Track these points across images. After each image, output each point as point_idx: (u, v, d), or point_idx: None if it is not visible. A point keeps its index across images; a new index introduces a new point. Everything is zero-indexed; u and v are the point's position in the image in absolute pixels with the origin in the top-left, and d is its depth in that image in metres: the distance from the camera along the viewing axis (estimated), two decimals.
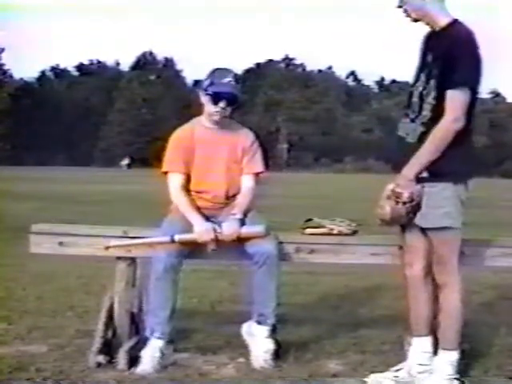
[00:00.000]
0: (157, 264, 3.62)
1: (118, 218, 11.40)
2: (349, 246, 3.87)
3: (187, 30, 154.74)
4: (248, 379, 3.47)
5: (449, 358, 3.35)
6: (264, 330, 3.70)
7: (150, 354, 3.59)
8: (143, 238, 3.77)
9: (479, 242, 3.89)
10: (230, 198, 3.92)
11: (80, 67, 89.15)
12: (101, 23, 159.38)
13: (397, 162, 3.40)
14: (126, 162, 65.86)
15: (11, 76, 77.61)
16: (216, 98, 3.80)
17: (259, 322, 3.72)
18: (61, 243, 3.83)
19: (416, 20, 3.32)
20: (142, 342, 3.68)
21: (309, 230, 3.92)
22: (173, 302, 3.67)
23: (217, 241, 3.71)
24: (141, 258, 3.84)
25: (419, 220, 3.29)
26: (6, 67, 75.51)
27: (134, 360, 3.58)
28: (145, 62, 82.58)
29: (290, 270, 5.00)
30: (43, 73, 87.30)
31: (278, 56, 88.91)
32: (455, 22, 3.24)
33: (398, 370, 3.47)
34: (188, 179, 3.92)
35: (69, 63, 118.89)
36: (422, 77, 3.31)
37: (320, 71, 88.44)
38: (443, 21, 3.25)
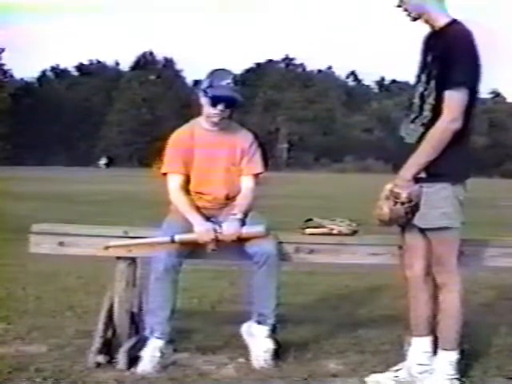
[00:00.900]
0: (157, 264, 3.62)
1: (118, 218, 11.41)
2: (349, 246, 3.87)
3: (187, 30, 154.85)
4: (248, 379, 3.47)
5: (449, 358, 3.35)
6: (264, 330, 3.70)
7: (150, 354, 3.59)
8: (143, 238, 3.77)
9: (479, 242, 3.89)
10: (229, 198, 3.92)
11: (80, 67, 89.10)
12: (101, 23, 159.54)
13: (397, 163, 3.40)
14: (103, 161, 65.89)
15: (11, 76, 77.61)
16: (214, 101, 3.80)
17: (259, 322, 3.72)
18: (61, 243, 3.83)
19: (415, 19, 3.32)
20: (141, 342, 3.68)
21: (309, 230, 3.92)
22: (173, 302, 3.67)
23: (217, 241, 3.71)
24: (141, 257, 3.84)
25: (417, 220, 3.29)
26: (6, 67, 75.50)
27: (133, 360, 3.58)
28: (145, 62, 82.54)
29: (290, 270, 5.01)
30: (43, 73, 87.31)
31: (277, 56, 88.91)
32: (454, 21, 3.25)
33: (397, 370, 3.47)
34: (187, 180, 3.92)
35: (69, 63, 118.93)
36: (423, 77, 3.31)
37: (320, 71, 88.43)
38: (442, 20, 3.26)
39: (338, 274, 6.30)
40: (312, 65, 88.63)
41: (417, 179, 3.23)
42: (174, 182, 3.90)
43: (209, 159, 3.93)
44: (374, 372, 3.52)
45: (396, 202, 3.22)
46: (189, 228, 3.72)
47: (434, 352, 3.42)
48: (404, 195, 3.21)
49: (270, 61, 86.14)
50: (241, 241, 3.71)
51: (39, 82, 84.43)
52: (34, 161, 62.96)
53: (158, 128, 60.19)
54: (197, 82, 60.21)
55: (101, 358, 3.60)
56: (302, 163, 72.46)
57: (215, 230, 3.69)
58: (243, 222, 3.75)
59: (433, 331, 3.44)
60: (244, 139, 3.98)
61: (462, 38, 3.19)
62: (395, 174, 3.42)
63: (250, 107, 68.38)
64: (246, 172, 3.95)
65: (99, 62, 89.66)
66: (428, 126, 3.24)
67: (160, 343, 3.63)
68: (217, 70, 3.91)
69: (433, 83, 3.23)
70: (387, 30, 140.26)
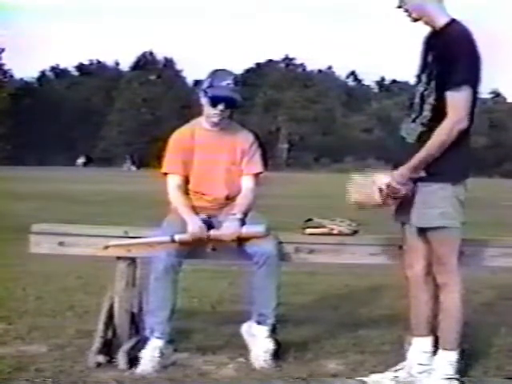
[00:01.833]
0: (157, 264, 3.62)
1: (118, 217, 11.41)
2: (349, 246, 3.87)
3: (187, 30, 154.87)
4: (248, 379, 3.47)
5: (448, 358, 3.34)
6: (264, 330, 3.70)
7: (150, 354, 3.58)
8: (143, 237, 3.77)
9: (479, 242, 3.89)
10: (230, 198, 3.92)
11: (80, 67, 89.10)
12: (101, 23, 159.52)
13: (397, 162, 3.41)
14: (81, 160, 65.96)
15: (11, 76, 77.57)
16: (214, 101, 3.81)
17: (259, 322, 3.72)
18: (61, 243, 3.83)
19: (416, 19, 3.33)
20: (141, 342, 3.67)
21: (309, 230, 3.92)
22: (172, 302, 3.67)
23: (217, 241, 3.71)
24: (141, 257, 3.84)
25: (416, 220, 3.30)
26: (6, 67, 75.48)
27: (133, 360, 3.58)
28: (145, 62, 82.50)
29: (290, 270, 5.01)
30: (43, 73, 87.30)
31: (277, 56, 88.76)
32: (453, 21, 3.25)
33: (397, 370, 3.47)
34: (187, 180, 3.92)
35: (69, 63, 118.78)
36: (424, 77, 3.31)
37: (320, 71, 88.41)
38: (442, 20, 3.26)
39: (338, 274, 6.30)
40: (312, 65, 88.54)
41: (416, 179, 3.23)
42: (174, 182, 3.90)
43: (209, 159, 3.93)
44: (374, 372, 3.52)
45: (390, 196, 3.24)
46: None
47: (435, 352, 3.42)
48: (403, 192, 3.22)
49: (270, 61, 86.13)
50: (241, 241, 3.71)
51: (39, 82, 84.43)
52: (33, 161, 62.97)
53: (158, 128, 60.22)
54: (197, 82, 60.34)
55: (101, 358, 3.60)
56: (302, 163, 72.46)
57: (208, 229, 3.69)
58: (243, 222, 3.75)
59: (433, 331, 3.44)
60: (244, 139, 3.98)
61: (463, 37, 3.20)
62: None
63: (250, 107, 68.37)
64: (246, 172, 3.95)
65: (99, 62, 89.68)
66: (427, 125, 3.25)
67: (160, 343, 3.62)
68: (217, 70, 3.91)
69: (433, 83, 3.24)
70: (387, 30, 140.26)
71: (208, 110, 3.86)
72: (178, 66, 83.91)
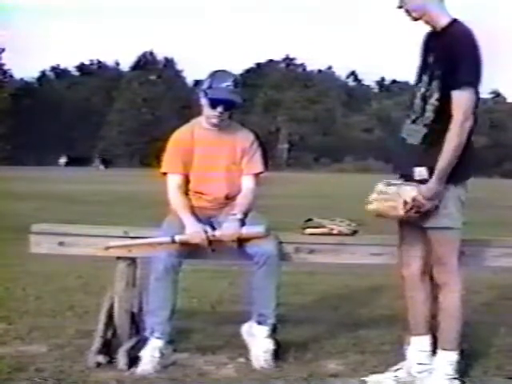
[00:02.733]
0: (157, 264, 3.62)
1: (118, 217, 11.41)
2: (349, 246, 3.87)
3: (187, 30, 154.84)
4: (248, 379, 3.47)
5: (448, 358, 3.34)
6: (264, 330, 3.70)
7: (150, 354, 3.58)
8: (143, 238, 3.77)
9: (479, 242, 3.89)
10: (230, 198, 3.92)
11: (80, 67, 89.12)
12: (101, 23, 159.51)
13: (398, 164, 3.40)
14: (63, 160, 65.92)
15: (11, 76, 77.57)
16: (214, 103, 3.81)
17: (259, 322, 3.72)
18: (61, 243, 3.83)
19: (416, 19, 3.32)
20: (141, 342, 3.68)
21: (309, 230, 3.92)
22: (173, 302, 3.67)
23: (217, 241, 3.71)
24: (141, 258, 3.84)
25: (420, 220, 3.29)
26: (6, 67, 75.49)
27: (133, 360, 3.58)
28: (145, 62, 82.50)
29: (290, 270, 5.01)
30: (43, 73, 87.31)
31: (278, 56, 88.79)
32: (454, 21, 3.25)
33: (397, 370, 3.47)
34: (187, 180, 3.92)
35: (69, 63, 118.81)
36: (425, 78, 3.30)
37: (320, 71, 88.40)
38: (443, 20, 3.26)
39: (338, 274, 6.30)
40: (312, 65, 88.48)
41: (420, 181, 3.23)
42: (174, 182, 3.90)
43: (209, 159, 3.92)
44: (374, 372, 3.52)
45: (412, 209, 3.20)
46: None
47: (434, 351, 3.42)
48: (428, 206, 3.20)
49: (271, 61, 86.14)
50: (241, 241, 3.71)
51: (39, 82, 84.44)
52: (33, 161, 62.95)
53: (158, 128, 60.22)
54: (197, 82, 60.28)
55: (101, 358, 3.60)
56: (302, 163, 72.46)
57: (206, 232, 3.69)
58: (243, 222, 3.75)
59: (432, 330, 3.44)
60: (244, 139, 3.98)
61: (465, 37, 3.19)
62: (394, 175, 3.43)
63: (250, 107, 68.38)
64: (246, 172, 3.95)
65: (99, 61, 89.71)
66: (431, 126, 3.24)
67: (160, 343, 3.62)
68: (217, 71, 3.91)
69: (435, 83, 3.23)
70: (387, 30, 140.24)
71: (207, 111, 3.86)
72: (178, 66, 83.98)
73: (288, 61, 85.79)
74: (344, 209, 14.15)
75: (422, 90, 3.30)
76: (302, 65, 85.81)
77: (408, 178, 3.31)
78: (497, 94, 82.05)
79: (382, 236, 4.00)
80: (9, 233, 8.81)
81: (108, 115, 75.79)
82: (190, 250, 3.70)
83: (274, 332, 3.74)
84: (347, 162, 71.67)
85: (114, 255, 3.81)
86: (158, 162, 4.00)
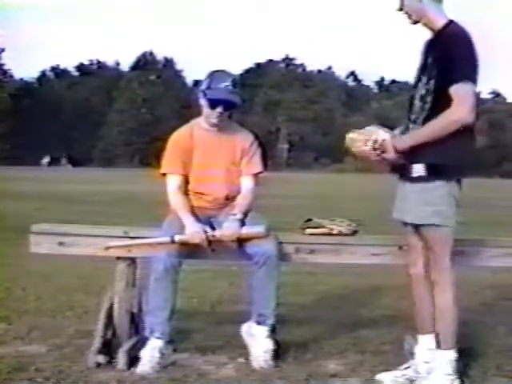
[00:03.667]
0: (157, 264, 3.62)
1: (118, 217, 11.41)
2: (349, 246, 3.87)
3: (187, 30, 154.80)
4: (248, 379, 3.47)
5: (446, 357, 3.34)
6: (263, 330, 3.70)
7: (150, 354, 3.58)
8: (143, 238, 3.77)
9: (479, 242, 3.89)
10: (229, 198, 3.92)
11: (80, 67, 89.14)
12: (101, 23, 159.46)
13: (397, 164, 3.40)
14: (46, 160, 66.03)
15: (11, 76, 77.61)
16: (213, 104, 3.81)
17: (259, 323, 3.72)
18: (61, 243, 3.83)
19: (416, 22, 3.36)
20: (141, 342, 3.67)
21: (309, 230, 3.92)
22: (172, 302, 3.67)
23: (217, 241, 3.71)
24: (141, 258, 3.84)
25: (411, 217, 3.31)
26: (6, 67, 75.50)
27: (133, 360, 3.58)
28: (145, 62, 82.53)
29: (290, 270, 5.01)
30: (43, 73, 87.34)
31: (278, 56, 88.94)
32: (451, 22, 3.29)
33: (406, 369, 3.48)
34: (187, 180, 3.92)
35: (69, 63, 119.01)
36: (424, 79, 3.32)
37: (320, 71, 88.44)
38: (441, 22, 3.30)
39: (338, 274, 6.30)
40: (312, 65, 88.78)
41: (414, 178, 3.24)
42: (173, 183, 3.90)
43: (209, 159, 3.93)
44: (374, 372, 3.52)
45: (377, 150, 3.34)
46: None
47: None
48: (389, 156, 3.32)
49: (270, 61, 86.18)
50: (241, 241, 3.71)
51: (39, 82, 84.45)
52: (33, 161, 62.97)
53: (158, 128, 60.22)
54: (197, 82, 60.25)
55: (101, 358, 3.60)
56: (302, 163, 72.46)
57: (206, 232, 3.69)
58: (243, 223, 3.75)
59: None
60: (244, 139, 3.98)
61: (462, 37, 3.23)
62: (390, 172, 3.45)
63: (250, 107, 68.38)
64: (245, 172, 3.95)
65: (99, 61, 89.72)
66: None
67: (160, 343, 3.62)
68: (216, 71, 3.91)
69: (432, 83, 3.25)
70: (387, 30, 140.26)
71: (207, 111, 3.86)
72: (178, 66, 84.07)
73: (288, 61, 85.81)
74: (344, 209, 14.19)
75: (422, 91, 3.32)
76: (301, 65, 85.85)
77: (406, 176, 3.33)
78: (497, 94, 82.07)
79: (382, 236, 4.00)
80: (9, 233, 8.81)
81: (108, 115, 75.81)
82: (189, 250, 3.70)
83: (273, 332, 3.74)
84: (347, 162, 71.59)
85: (114, 255, 3.81)
86: (158, 162, 4.00)
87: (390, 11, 3.39)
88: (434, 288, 3.38)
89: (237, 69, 72.93)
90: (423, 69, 3.36)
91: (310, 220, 3.96)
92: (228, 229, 3.71)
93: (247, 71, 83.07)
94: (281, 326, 3.88)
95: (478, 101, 3.27)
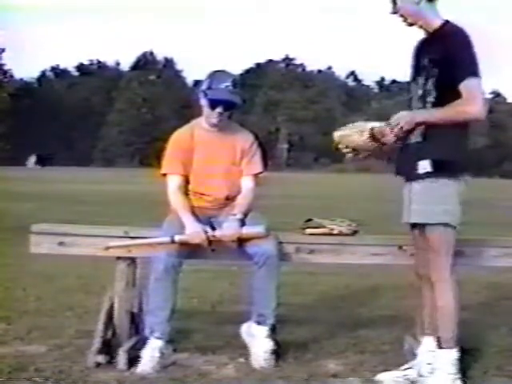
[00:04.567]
0: (157, 264, 3.62)
1: (118, 217, 11.40)
2: (349, 246, 3.86)
3: (187, 30, 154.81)
4: (248, 379, 3.47)
5: (448, 357, 3.34)
6: (263, 330, 3.70)
7: (150, 354, 3.58)
8: (143, 238, 3.77)
9: (479, 242, 3.89)
10: (230, 198, 3.92)
11: (80, 67, 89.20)
12: (101, 23, 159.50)
13: (399, 164, 3.40)
14: (33, 160, 66.02)
15: (11, 76, 77.57)
16: (213, 104, 3.81)
17: (259, 323, 3.72)
18: (61, 243, 3.83)
19: (411, 24, 3.37)
20: (141, 342, 3.67)
21: (309, 230, 3.92)
22: (173, 302, 3.67)
23: (217, 241, 3.71)
24: (141, 258, 3.84)
25: (418, 216, 3.30)
26: (6, 67, 75.47)
27: (133, 360, 3.58)
28: (145, 62, 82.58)
29: (290, 270, 5.01)
30: (43, 73, 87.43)
31: (277, 56, 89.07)
32: (447, 22, 3.30)
33: (407, 369, 3.48)
34: (187, 180, 3.92)
35: (69, 63, 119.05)
36: (420, 80, 3.33)
37: (320, 71, 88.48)
38: (436, 23, 3.32)
39: (338, 274, 6.30)
40: (312, 65, 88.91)
41: (420, 175, 3.24)
42: (173, 183, 3.90)
43: (209, 159, 3.93)
44: (374, 372, 3.52)
45: (375, 137, 3.30)
46: None
47: None
48: (389, 139, 3.28)
49: (270, 61, 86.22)
50: (241, 241, 3.71)
51: (39, 82, 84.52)
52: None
53: (158, 128, 60.29)
54: (197, 82, 60.35)
55: (101, 358, 3.60)
56: (302, 163, 72.49)
57: (206, 232, 3.69)
58: (243, 223, 3.75)
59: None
60: (244, 139, 3.98)
61: (461, 34, 3.24)
62: (395, 175, 3.44)
63: (250, 107, 68.39)
64: (245, 172, 3.95)
65: (99, 61, 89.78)
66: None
67: (160, 343, 3.62)
68: (216, 71, 3.91)
69: (431, 82, 3.25)
70: (387, 30, 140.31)
71: (207, 111, 3.86)
72: (178, 66, 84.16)
73: (288, 61, 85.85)
74: (344, 209, 14.20)
75: (420, 92, 3.32)
76: (301, 65, 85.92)
77: (410, 177, 3.32)
78: (497, 94, 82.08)
79: (382, 236, 4.00)
80: (9, 233, 8.81)
81: (108, 115, 75.85)
82: (190, 250, 3.70)
83: (273, 332, 3.74)
84: (347, 162, 71.61)
85: (114, 255, 3.81)
86: (158, 162, 4.00)
87: (389, 13, 3.39)
88: (434, 288, 3.37)
89: (237, 69, 73.03)
90: (418, 70, 3.37)
91: (310, 220, 3.96)
92: (228, 229, 3.71)
93: (247, 71, 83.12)
94: (281, 326, 3.88)
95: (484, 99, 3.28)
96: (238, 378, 3.49)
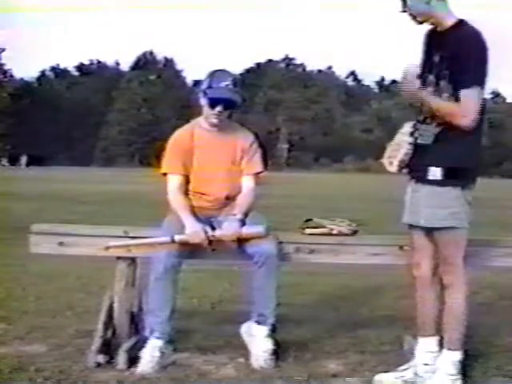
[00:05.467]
0: (157, 264, 3.62)
1: (118, 217, 11.40)
2: (349, 246, 3.86)
3: (187, 30, 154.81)
4: (248, 379, 3.47)
5: (452, 358, 3.34)
6: (263, 330, 3.70)
7: (150, 354, 3.58)
8: (143, 238, 3.77)
9: (480, 242, 3.88)
10: (230, 198, 3.92)
11: (80, 67, 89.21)
12: (101, 23, 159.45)
13: (410, 164, 3.37)
14: (23, 160, 66.07)
15: (11, 76, 77.53)
16: (213, 103, 3.81)
17: (259, 322, 3.72)
18: (61, 243, 3.83)
19: (421, 22, 3.32)
20: (141, 342, 3.67)
21: (309, 230, 3.91)
22: (172, 302, 3.67)
23: (217, 241, 3.71)
24: (141, 257, 3.84)
25: (426, 221, 3.29)
26: (6, 67, 75.45)
27: (133, 360, 3.58)
28: (145, 62, 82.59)
29: (290, 270, 5.00)
30: (43, 73, 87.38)
31: (277, 56, 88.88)
32: (462, 21, 3.25)
33: (404, 370, 3.47)
34: (187, 180, 3.92)
35: (69, 63, 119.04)
36: (431, 77, 3.29)
37: (320, 71, 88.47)
38: (450, 21, 3.26)
39: (338, 274, 6.29)
40: (312, 65, 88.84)
41: (430, 181, 3.23)
42: (173, 183, 3.90)
43: (209, 159, 3.93)
44: (374, 372, 3.52)
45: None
46: None
47: (440, 352, 3.41)
48: (413, 85, 3.24)
49: (270, 61, 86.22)
50: (241, 241, 3.71)
51: (39, 82, 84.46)
52: (33, 161, 62.97)
53: (158, 128, 60.38)
54: (197, 82, 60.27)
55: (101, 358, 3.60)
56: (302, 163, 72.51)
57: (206, 232, 3.69)
58: (243, 222, 3.75)
59: (439, 331, 3.44)
60: (244, 139, 3.98)
61: (475, 38, 3.20)
62: (406, 177, 3.42)
63: (250, 107, 68.39)
64: (246, 171, 3.95)
65: (99, 61, 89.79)
66: (442, 124, 3.24)
67: (160, 343, 3.62)
68: (217, 70, 3.91)
69: (443, 83, 3.22)
70: (387, 30, 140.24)
71: (207, 110, 3.86)
72: (178, 66, 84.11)
73: (287, 61, 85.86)
74: (344, 209, 14.19)
75: (429, 89, 3.28)
76: (301, 65, 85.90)
77: (420, 179, 3.31)
78: (496, 94, 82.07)
79: (382, 236, 4.00)
80: (9, 233, 8.80)
81: (108, 115, 75.84)
82: (190, 250, 3.70)
83: (273, 332, 3.74)
84: (347, 162, 71.70)
85: (114, 255, 3.81)
86: (158, 162, 4.00)
87: (391, 10, 3.37)
88: (446, 290, 3.37)
89: (237, 69, 72.95)
90: (429, 66, 3.32)
91: (310, 220, 3.96)
92: (228, 229, 3.71)
93: (247, 71, 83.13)
94: (281, 326, 3.88)
95: (484, 106, 3.26)
96: (238, 378, 3.49)
